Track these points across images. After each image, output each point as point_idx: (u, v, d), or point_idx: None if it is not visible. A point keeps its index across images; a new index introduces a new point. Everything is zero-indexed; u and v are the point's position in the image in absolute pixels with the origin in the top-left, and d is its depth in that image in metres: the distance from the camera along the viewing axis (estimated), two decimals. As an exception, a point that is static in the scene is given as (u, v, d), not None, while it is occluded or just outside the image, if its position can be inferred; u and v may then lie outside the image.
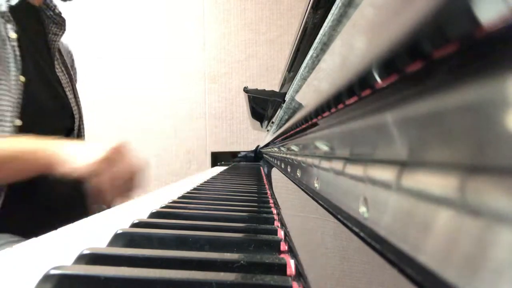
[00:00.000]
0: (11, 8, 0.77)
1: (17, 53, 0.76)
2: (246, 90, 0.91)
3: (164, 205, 0.43)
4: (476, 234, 0.09)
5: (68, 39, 1.01)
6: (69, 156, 0.66)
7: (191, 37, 2.01)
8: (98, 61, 1.88)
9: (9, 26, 0.76)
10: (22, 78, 0.76)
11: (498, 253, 0.09)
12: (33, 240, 0.32)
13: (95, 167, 0.65)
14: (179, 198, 0.51)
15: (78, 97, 0.98)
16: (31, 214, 0.76)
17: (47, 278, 0.20)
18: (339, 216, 0.24)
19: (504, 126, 0.08)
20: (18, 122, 0.73)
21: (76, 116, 0.95)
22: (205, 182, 0.77)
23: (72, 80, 0.96)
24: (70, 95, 0.93)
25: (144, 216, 0.37)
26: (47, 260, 0.26)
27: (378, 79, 0.16)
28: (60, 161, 0.66)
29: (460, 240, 0.10)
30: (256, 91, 0.88)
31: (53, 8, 0.87)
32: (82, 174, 0.65)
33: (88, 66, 1.32)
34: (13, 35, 0.76)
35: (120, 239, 0.29)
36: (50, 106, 0.85)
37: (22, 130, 0.72)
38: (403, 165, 0.15)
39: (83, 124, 1.00)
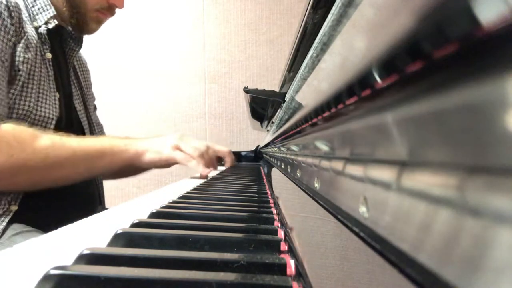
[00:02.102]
0: (47, 30, 0.83)
1: (52, 72, 0.85)
2: (246, 90, 0.91)
3: (164, 205, 0.43)
4: (476, 234, 0.09)
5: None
6: (149, 148, 0.81)
7: (191, 37, 2.01)
8: (97, 62, 1.88)
9: (45, 47, 0.83)
10: (57, 95, 0.86)
11: (498, 253, 0.09)
12: (33, 240, 0.32)
13: (170, 154, 0.82)
14: (179, 198, 0.51)
15: (89, 109, 1.00)
16: (48, 208, 0.80)
17: (47, 278, 0.20)
18: (339, 216, 0.24)
19: (504, 126, 0.08)
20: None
21: (86, 127, 0.97)
22: (205, 182, 0.77)
23: (82, 92, 0.99)
24: (79, 107, 0.95)
25: (144, 216, 0.37)
26: (47, 260, 0.26)
27: (378, 79, 0.16)
28: (143, 153, 0.81)
29: (460, 240, 0.10)
30: (256, 91, 0.88)
31: (71, 28, 0.92)
32: (160, 163, 0.82)
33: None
34: (49, 55, 0.84)
35: (120, 239, 0.29)
36: (68, 119, 0.92)
37: None
38: (403, 165, 0.15)
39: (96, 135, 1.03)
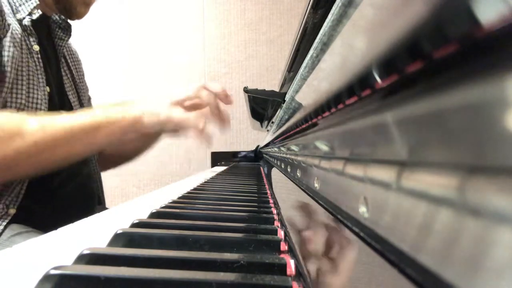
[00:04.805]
0: (32, 21, 0.79)
1: (41, 65, 0.80)
2: (246, 90, 0.91)
3: (164, 205, 0.43)
4: (476, 234, 0.09)
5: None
6: (145, 110, 0.71)
7: (191, 37, 2.01)
8: (97, 61, 1.88)
9: (31, 39, 0.79)
10: (48, 89, 0.82)
11: (498, 253, 0.09)
12: (33, 240, 0.32)
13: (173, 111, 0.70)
14: (179, 198, 0.51)
15: (82, 100, 0.99)
16: (46, 208, 0.79)
17: (47, 278, 0.20)
18: (339, 216, 0.24)
19: (504, 126, 0.08)
20: None
21: None
22: (205, 182, 0.77)
23: (75, 83, 0.97)
24: (73, 99, 0.94)
25: (144, 216, 0.37)
26: (47, 260, 0.26)
27: (378, 79, 0.16)
28: (140, 118, 0.71)
29: (460, 240, 0.10)
30: (256, 91, 0.88)
31: (58, 14, 0.89)
32: (164, 121, 0.70)
33: (87, 66, 1.33)
34: (36, 47, 0.80)
35: (120, 239, 0.29)
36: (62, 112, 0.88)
37: None
38: (403, 165, 0.15)
39: None
